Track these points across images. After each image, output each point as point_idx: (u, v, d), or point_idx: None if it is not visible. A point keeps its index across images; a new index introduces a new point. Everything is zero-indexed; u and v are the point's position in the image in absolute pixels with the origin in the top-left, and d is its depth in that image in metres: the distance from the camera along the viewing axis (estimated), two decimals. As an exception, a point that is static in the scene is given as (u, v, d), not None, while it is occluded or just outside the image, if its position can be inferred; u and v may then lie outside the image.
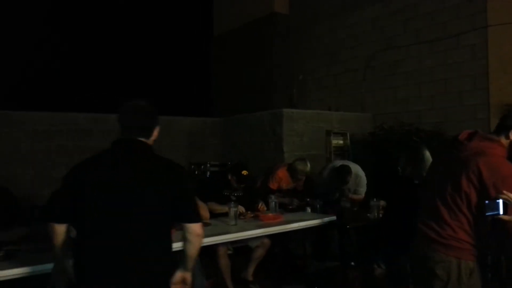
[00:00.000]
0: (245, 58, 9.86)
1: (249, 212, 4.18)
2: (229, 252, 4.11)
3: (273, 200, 4.39)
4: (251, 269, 4.26)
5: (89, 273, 1.91)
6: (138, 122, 2.07)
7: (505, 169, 2.07)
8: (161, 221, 1.99)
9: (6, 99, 8.80)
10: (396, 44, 7.26)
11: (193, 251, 2.10)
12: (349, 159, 6.28)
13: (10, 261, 2.47)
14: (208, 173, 6.53)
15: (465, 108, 6.35)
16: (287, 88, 8.98)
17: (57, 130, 6.13)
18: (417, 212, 2.40)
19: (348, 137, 7.13)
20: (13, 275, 2.35)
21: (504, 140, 2.20)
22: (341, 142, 7.10)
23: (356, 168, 5.09)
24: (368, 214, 4.35)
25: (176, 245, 2.20)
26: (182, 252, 2.12)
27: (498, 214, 1.95)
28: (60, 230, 2.00)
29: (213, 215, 3.96)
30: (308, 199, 4.65)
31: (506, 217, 1.95)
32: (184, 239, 2.08)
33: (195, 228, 2.05)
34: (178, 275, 2.11)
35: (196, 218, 2.08)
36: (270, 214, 4.13)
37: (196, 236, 2.06)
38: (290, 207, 4.76)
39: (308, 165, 5.01)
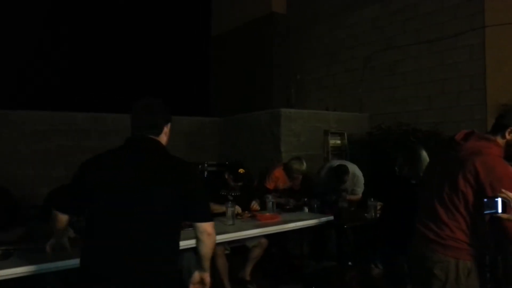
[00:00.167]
0: (244, 58, 9.87)
1: (246, 212, 4.20)
2: (227, 252, 4.12)
3: (271, 200, 4.40)
4: (248, 269, 4.28)
5: (93, 272, 1.90)
6: (147, 120, 2.06)
7: (502, 168, 2.08)
8: (169, 220, 1.96)
9: (5, 99, 8.79)
10: (396, 44, 7.27)
11: (205, 250, 2.08)
12: (347, 159, 6.28)
13: (9, 260, 2.47)
14: (206, 173, 6.53)
15: (462, 108, 6.37)
16: (287, 88, 8.99)
17: (56, 130, 6.12)
18: (415, 212, 2.41)
19: (346, 137, 7.14)
20: (12, 274, 2.35)
21: (500, 140, 2.21)
22: (339, 142, 7.11)
23: (353, 168, 5.11)
24: (366, 214, 4.37)
25: (183, 244, 2.18)
26: (196, 253, 2.11)
27: (497, 212, 1.94)
28: (63, 218, 2.10)
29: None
30: (305, 199, 4.66)
31: (504, 216, 1.95)
32: (196, 239, 2.06)
33: (205, 227, 2.04)
34: (196, 275, 2.12)
35: (206, 217, 2.06)
36: (267, 214, 4.14)
37: (207, 236, 2.04)
38: (287, 207, 4.77)
39: (304, 163, 5.03)
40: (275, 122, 6.60)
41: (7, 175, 5.52)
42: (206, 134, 7.75)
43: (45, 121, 6.07)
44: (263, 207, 4.49)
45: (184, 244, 2.23)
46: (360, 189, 5.13)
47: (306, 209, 4.54)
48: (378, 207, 4.25)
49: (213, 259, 3.93)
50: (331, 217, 4.18)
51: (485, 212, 1.98)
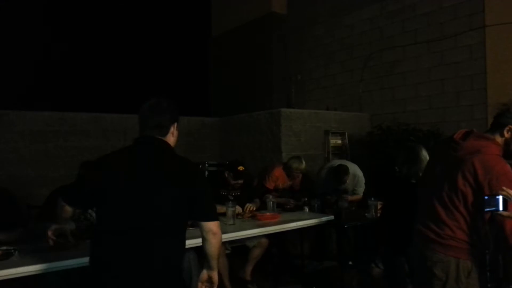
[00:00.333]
0: (243, 58, 9.87)
1: (247, 212, 4.19)
2: (227, 251, 4.11)
3: (271, 199, 4.39)
4: (249, 269, 4.27)
5: (101, 268, 1.92)
6: (152, 120, 2.07)
7: (500, 167, 2.07)
8: (176, 219, 1.98)
9: (5, 99, 8.78)
10: (394, 44, 7.28)
11: (211, 249, 2.08)
12: (347, 159, 6.30)
13: (10, 260, 2.47)
14: (206, 173, 6.53)
15: (462, 108, 6.38)
16: (286, 88, 8.99)
17: (56, 130, 6.11)
18: (415, 212, 2.40)
19: (346, 137, 7.15)
20: (13, 274, 2.35)
21: (499, 138, 2.21)
22: (339, 141, 7.12)
23: (354, 168, 5.11)
24: (366, 214, 4.36)
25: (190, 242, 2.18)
26: (204, 252, 2.12)
27: (498, 210, 1.92)
28: (68, 209, 2.19)
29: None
30: (305, 199, 4.66)
31: (505, 213, 1.94)
32: (202, 238, 2.07)
33: (210, 226, 2.04)
34: (204, 274, 2.14)
35: (211, 216, 2.06)
36: (267, 214, 4.13)
37: (212, 235, 2.04)
38: (288, 206, 4.77)
39: (303, 162, 5.03)
40: (275, 122, 6.61)
41: (6, 175, 5.52)
42: (206, 134, 7.75)
43: (45, 121, 6.07)
44: (263, 207, 4.48)
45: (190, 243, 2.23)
46: (361, 189, 5.13)
47: (307, 209, 4.53)
48: (379, 207, 4.25)
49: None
50: (332, 217, 4.17)
51: (486, 209, 1.96)
